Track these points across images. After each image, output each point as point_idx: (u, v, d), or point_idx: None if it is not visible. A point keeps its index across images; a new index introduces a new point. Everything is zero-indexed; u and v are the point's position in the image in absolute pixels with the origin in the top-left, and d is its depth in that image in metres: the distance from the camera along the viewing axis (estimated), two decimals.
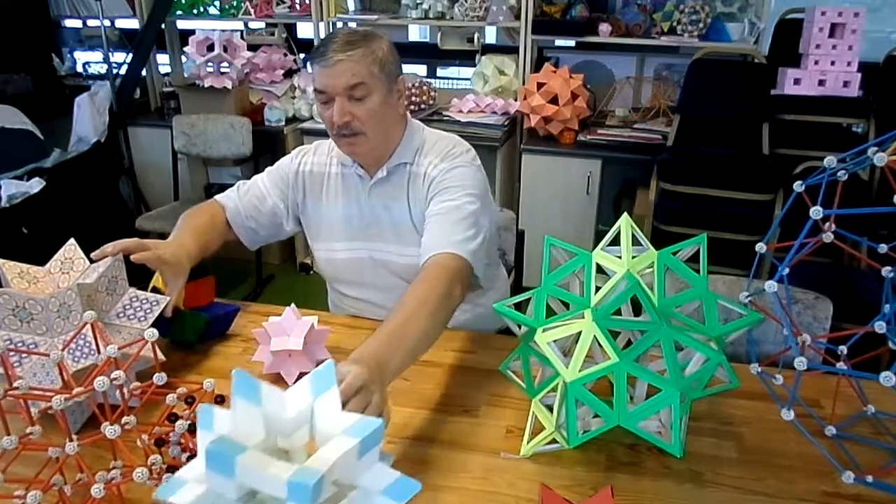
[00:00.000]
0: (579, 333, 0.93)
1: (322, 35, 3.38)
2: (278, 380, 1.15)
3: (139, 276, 1.45)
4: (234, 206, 1.43)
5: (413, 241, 1.34)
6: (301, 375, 1.15)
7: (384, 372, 0.91)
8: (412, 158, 1.37)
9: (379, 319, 1.28)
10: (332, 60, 1.23)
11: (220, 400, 0.99)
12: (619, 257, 0.97)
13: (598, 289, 0.96)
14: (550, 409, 0.97)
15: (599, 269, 0.99)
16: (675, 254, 0.98)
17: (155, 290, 1.24)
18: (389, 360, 0.93)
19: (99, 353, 0.96)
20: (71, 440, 0.81)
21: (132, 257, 1.16)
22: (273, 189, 1.44)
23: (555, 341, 0.94)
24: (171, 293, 1.20)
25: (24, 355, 1.01)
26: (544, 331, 0.96)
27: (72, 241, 1.16)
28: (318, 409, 0.65)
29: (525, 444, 0.98)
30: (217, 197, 1.47)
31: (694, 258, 1.01)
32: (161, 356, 0.99)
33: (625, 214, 1.02)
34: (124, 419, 0.82)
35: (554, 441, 0.96)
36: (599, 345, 0.92)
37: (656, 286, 0.93)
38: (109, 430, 0.79)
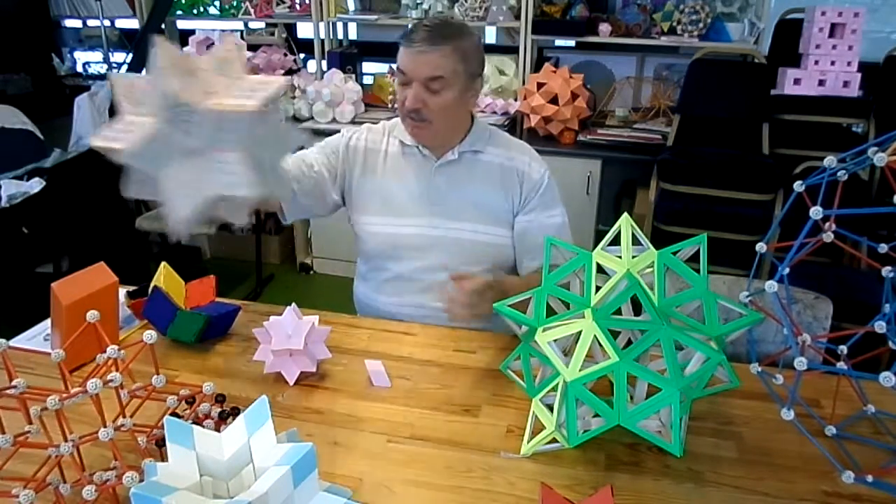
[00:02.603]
0: (579, 333, 0.93)
1: (322, 35, 3.38)
2: (279, 379, 1.15)
3: (135, 275, 1.45)
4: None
5: (474, 218, 1.44)
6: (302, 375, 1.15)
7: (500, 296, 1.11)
8: (483, 147, 1.46)
9: (407, 316, 1.42)
10: (424, 48, 1.30)
11: (221, 399, 0.99)
12: (620, 257, 0.97)
13: (598, 288, 0.96)
14: (551, 408, 0.97)
15: (600, 269, 0.98)
16: (675, 253, 0.98)
17: (156, 288, 1.24)
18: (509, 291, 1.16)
19: (102, 351, 0.95)
20: (66, 440, 0.81)
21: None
22: (320, 156, 1.47)
23: (555, 341, 0.94)
24: None
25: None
26: (544, 330, 0.96)
27: (233, 37, 0.98)
28: (255, 446, 0.67)
29: (525, 444, 0.98)
30: None
31: (694, 258, 1.01)
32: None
33: (625, 214, 1.02)
34: (120, 421, 0.82)
35: (554, 440, 0.96)
36: (600, 344, 0.92)
37: (656, 286, 0.93)
38: (103, 432, 0.78)
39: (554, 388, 0.96)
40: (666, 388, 0.87)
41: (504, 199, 1.45)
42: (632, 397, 1.00)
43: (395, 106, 3.23)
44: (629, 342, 1.09)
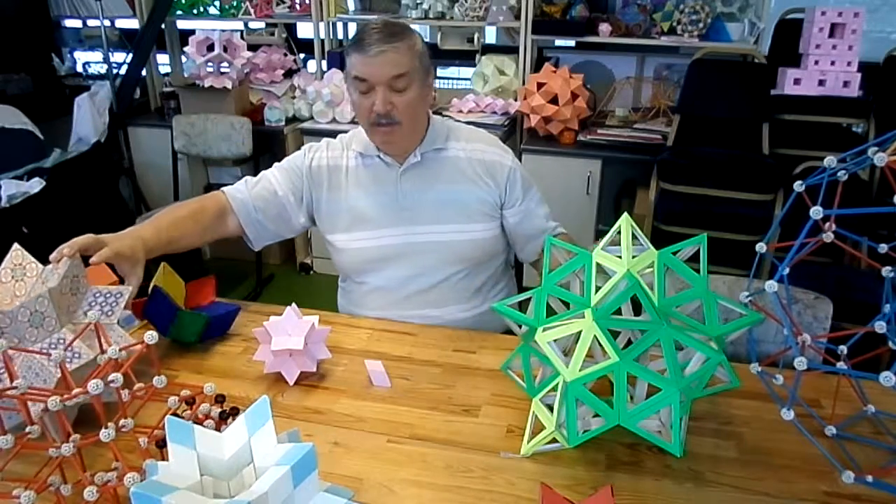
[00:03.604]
0: (579, 333, 0.93)
1: (322, 35, 3.38)
2: (279, 379, 1.15)
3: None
4: (242, 197, 1.42)
5: (447, 219, 1.42)
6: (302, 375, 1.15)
7: None
8: (444, 144, 1.44)
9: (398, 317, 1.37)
10: (377, 50, 1.28)
11: (221, 399, 0.99)
12: (620, 257, 0.97)
13: (598, 288, 0.96)
14: (551, 408, 0.97)
15: (600, 269, 0.98)
16: (675, 253, 0.98)
17: (156, 288, 1.24)
18: None
19: (102, 352, 0.95)
20: (67, 441, 0.81)
21: (92, 260, 1.14)
22: (284, 182, 1.45)
23: (555, 341, 0.94)
24: (130, 284, 1.18)
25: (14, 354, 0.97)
26: (544, 330, 0.96)
27: (16, 246, 1.10)
28: (256, 446, 0.67)
29: (525, 444, 0.98)
30: (225, 188, 1.45)
31: (694, 257, 1.01)
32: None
33: (625, 214, 1.02)
34: (122, 422, 0.82)
35: (554, 440, 0.96)
36: (600, 344, 0.92)
37: (656, 286, 0.93)
38: (104, 433, 0.78)
39: (554, 388, 0.96)
40: (666, 388, 0.87)
41: (475, 193, 1.43)
42: (632, 397, 1.00)
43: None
44: (629, 342, 1.09)
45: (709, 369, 0.91)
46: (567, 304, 1.02)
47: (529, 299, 1.04)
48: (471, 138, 1.47)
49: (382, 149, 1.41)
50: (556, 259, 1.08)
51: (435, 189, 1.42)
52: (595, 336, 0.91)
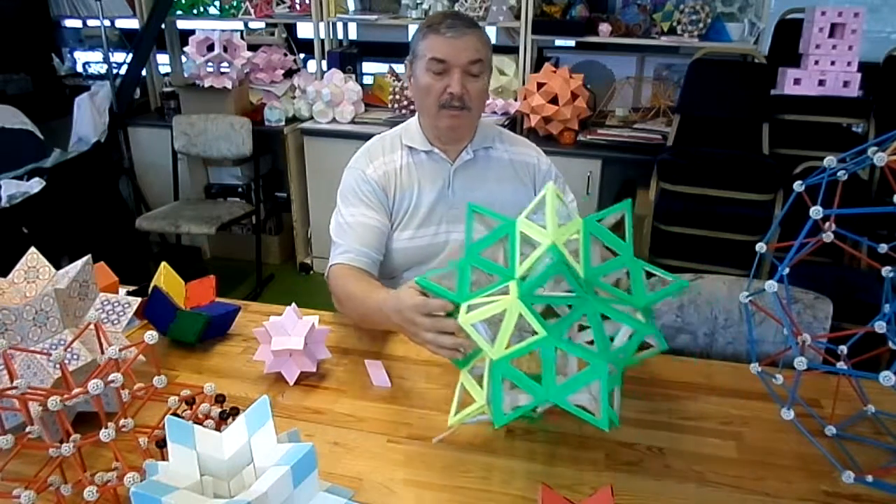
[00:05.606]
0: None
1: (322, 35, 3.38)
2: (279, 379, 1.15)
3: (135, 275, 1.45)
4: (368, 260, 1.34)
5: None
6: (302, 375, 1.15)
7: None
8: (492, 143, 1.46)
9: None
10: (461, 31, 1.29)
11: (221, 399, 0.99)
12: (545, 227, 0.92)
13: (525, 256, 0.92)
14: (479, 379, 0.94)
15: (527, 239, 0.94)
16: (600, 221, 0.95)
17: (156, 288, 1.24)
18: None
19: (102, 352, 0.95)
20: (67, 441, 0.81)
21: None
22: (377, 211, 1.39)
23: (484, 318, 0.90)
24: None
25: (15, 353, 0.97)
26: (469, 308, 0.91)
27: (33, 249, 1.11)
28: (256, 446, 0.67)
29: (452, 416, 0.96)
30: (342, 262, 1.33)
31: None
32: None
33: (550, 183, 0.98)
34: (122, 422, 0.82)
35: (483, 413, 0.93)
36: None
37: (582, 256, 0.91)
38: (104, 433, 0.78)
39: (482, 359, 0.93)
40: (594, 362, 0.85)
41: (517, 195, 1.43)
42: (563, 372, 0.97)
43: (396, 105, 3.23)
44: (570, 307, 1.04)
45: (636, 338, 0.90)
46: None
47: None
48: (514, 142, 1.49)
49: (446, 134, 1.39)
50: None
51: (484, 188, 1.42)
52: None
